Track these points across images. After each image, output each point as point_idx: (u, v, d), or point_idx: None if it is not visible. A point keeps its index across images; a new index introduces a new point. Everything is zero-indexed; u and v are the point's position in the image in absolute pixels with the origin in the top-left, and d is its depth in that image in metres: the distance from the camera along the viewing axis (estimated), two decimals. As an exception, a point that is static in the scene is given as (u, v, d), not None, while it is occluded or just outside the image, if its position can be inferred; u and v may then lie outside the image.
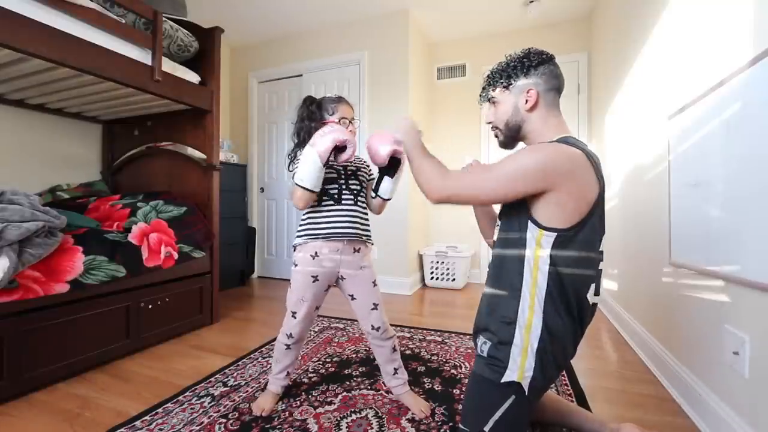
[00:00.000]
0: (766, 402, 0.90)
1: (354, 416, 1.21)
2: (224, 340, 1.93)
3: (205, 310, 2.13)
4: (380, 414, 1.22)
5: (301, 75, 3.40)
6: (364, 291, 1.27)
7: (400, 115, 3.00)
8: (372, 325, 1.26)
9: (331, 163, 1.18)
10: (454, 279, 3.15)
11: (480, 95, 1.09)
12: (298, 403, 1.29)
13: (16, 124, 2.10)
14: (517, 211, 0.91)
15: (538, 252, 0.87)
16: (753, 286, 0.94)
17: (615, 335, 2.03)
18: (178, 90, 1.98)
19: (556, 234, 0.85)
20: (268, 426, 1.15)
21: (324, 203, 1.22)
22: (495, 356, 0.90)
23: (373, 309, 1.27)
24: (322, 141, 1.10)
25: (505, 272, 0.93)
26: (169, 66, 1.92)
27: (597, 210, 0.88)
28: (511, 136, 1.03)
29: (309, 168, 1.11)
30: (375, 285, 1.29)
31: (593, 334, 2.06)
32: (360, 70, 3.13)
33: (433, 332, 2.01)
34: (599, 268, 0.94)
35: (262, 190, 3.65)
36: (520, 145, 1.06)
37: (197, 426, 1.15)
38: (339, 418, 1.19)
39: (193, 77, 2.10)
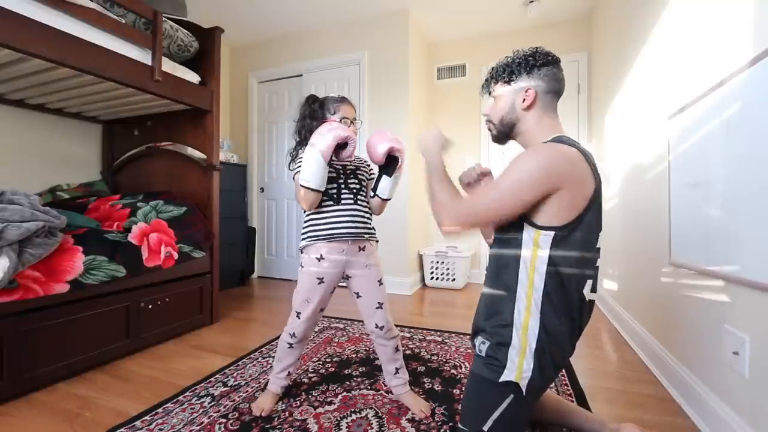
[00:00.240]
0: (766, 402, 0.90)
1: (354, 416, 1.20)
2: (224, 340, 1.93)
3: (205, 310, 2.13)
4: (380, 414, 1.22)
5: (301, 75, 3.40)
6: (369, 289, 1.27)
7: (400, 115, 3.00)
8: (376, 324, 1.27)
9: (332, 161, 1.18)
10: (454, 279, 3.15)
11: (482, 86, 1.09)
12: (298, 403, 1.29)
13: (16, 124, 2.10)
14: (507, 231, 0.91)
15: (536, 252, 0.87)
16: (753, 286, 0.94)
17: (615, 335, 2.03)
18: (178, 90, 1.98)
19: (553, 233, 0.85)
20: (268, 426, 1.15)
21: (324, 204, 1.22)
22: (493, 356, 0.90)
23: (378, 308, 1.27)
24: (324, 139, 1.10)
25: (501, 273, 0.93)
26: (169, 66, 1.92)
27: (594, 206, 0.89)
28: (504, 132, 1.03)
29: (313, 168, 1.11)
30: (381, 284, 1.29)
31: (593, 334, 2.06)
32: (360, 70, 3.13)
33: (433, 332, 2.01)
34: (597, 265, 0.94)
35: (262, 190, 3.65)
36: (512, 143, 1.06)
37: (197, 426, 1.15)
38: (339, 418, 1.19)
39: (193, 77, 2.10)
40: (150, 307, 1.80)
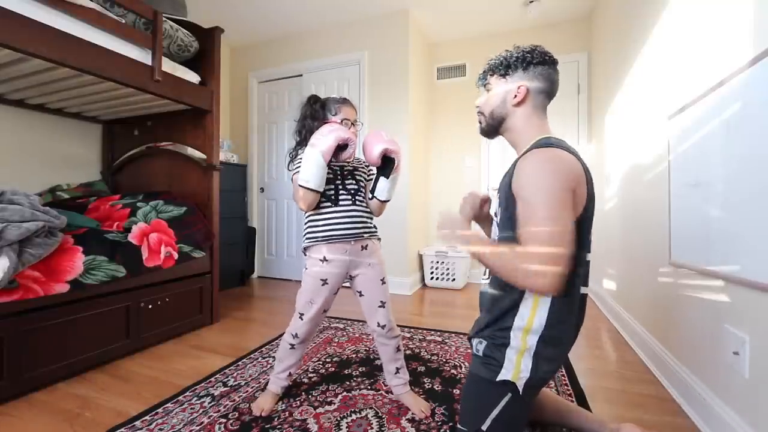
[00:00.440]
0: (766, 402, 0.90)
1: (354, 416, 1.20)
2: (224, 340, 1.93)
3: (205, 310, 2.13)
4: (380, 414, 1.22)
5: (301, 75, 3.40)
6: (371, 288, 1.27)
7: (400, 115, 3.00)
8: (378, 323, 1.26)
9: (330, 162, 1.18)
10: (454, 279, 3.15)
11: (478, 78, 1.09)
12: (298, 403, 1.29)
13: (16, 124, 2.10)
14: (512, 228, 0.89)
15: None
16: (753, 286, 0.94)
17: (615, 335, 2.03)
18: (178, 90, 1.98)
19: None
20: (268, 426, 1.15)
21: (322, 205, 1.22)
22: (490, 356, 0.91)
23: (380, 306, 1.27)
24: (325, 140, 1.10)
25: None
26: (169, 66, 1.92)
27: (590, 204, 0.89)
28: (493, 126, 1.03)
29: (313, 168, 1.11)
30: (383, 283, 1.29)
31: (593, 334, 2.06)
32: (360, 70, 3.13)
33: (433, 332, 2.01)
34: (588, 259, 0.94)
35: (262, 190, 3.65)
36: (500, 138, 1.06)
37: (197, 426, 1.15)
38: (339, 418, 1.19)
39: (193, 77, 2.10)
40: (150, 307, 1.80)
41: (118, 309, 1.66)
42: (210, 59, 2.20)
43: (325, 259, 1.21)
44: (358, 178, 1.29)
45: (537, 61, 0.97)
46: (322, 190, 1.16)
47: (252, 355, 1.70)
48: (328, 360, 1.65)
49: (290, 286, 3.25)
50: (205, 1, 2.85)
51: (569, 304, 0.88)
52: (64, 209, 1.71)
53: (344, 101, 1.29)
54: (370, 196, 1.30)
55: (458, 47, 3.49)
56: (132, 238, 1.71)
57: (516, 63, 0.98)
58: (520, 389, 0.87)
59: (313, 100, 1.28)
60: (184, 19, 2.15)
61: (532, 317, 0.87)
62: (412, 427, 1.15)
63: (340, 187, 1.24)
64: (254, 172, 3.65)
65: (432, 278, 3.24)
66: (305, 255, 1.29)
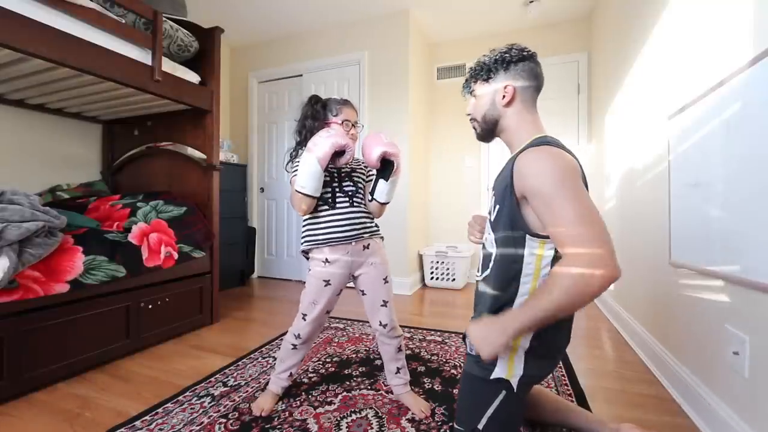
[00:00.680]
0: (766, 402, 0.90)
1: (354, 416, 1.21)
2: (224, 340, 1.93)
3: (205, 310, 2.13)
4: (380, 414, 1.22)
5: (301, 75, 3.40)
6: (374, 287, 1.27)
7: (400, 115, 3.00)
8: (380, 322, 1.26)
9: (327, 166, 1.17)
10: (454, 279, 3.15)
11: (463, 87, 1.09)
12: (298, 403, 1.29)
13: (16, 124, 2.10)
14: (511, 228, 0.90)
15: (539, 262, 0.87)
16: (753, 286, 0.94)
17: (615, 335, 2.03)
18: (178, 90, 1.98)
19: None
20: (268, 426, 1.15)
21: (319, 208, 1.22)
22: None
23: (382, 306, 1.27)
24: (321, 146, 1.09)
25: (503, 276, 0.92)
26: (169, 66, 1.92)
27: None
28: (488, 130, 1.03)
29: (308, 174, 1.11)
30: (386, 282, 1.29)
31: (593, 334, 2.06)
32: (360, 70, 3.13)
33: (433, 332, 2.01)
34: None
35: (262, 190, 3.65)
36: (497, 140, 1.06)
37: (197, 426, 1.15)
38: (339, 418, 1.19)
39: (193, 77, 2.10)
40: (150, 307, 1.80)
41: (118, 309, 1.66)
42: (210, 59, 2.20)
43: (327, 261, 1.21)
44: (356, 179, 1.28)
45: (516, 58, 0.97)
46: (318, 195, 1.16)
47: (252, 355, 1.70)
48: (328, 360, 1.65)
49: (290, 286, 3.25)
50: (205, 1, 2.85)
51: None
52: (64, 209, 1.71)
53: (345, 102, 1.28)
54: (370, 197, 1.29)
55: (458, 47, 3.49)
56: (132, 238, 1.71)
57: (496, 65, 0.98)
58: (515, 387, 0.88)
59: (315, 100, 1.28)
60: (184, 19, 2.15)
61: None
62: (412, 427, 1.15)
63: (337, 189, 1.24)
64: (254, 172, 3.65)
65: (432, 278, 3.24)
66: (305, 257, 1.29)
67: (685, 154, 1.32)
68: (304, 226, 1.26)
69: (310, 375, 1.50)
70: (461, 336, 1.04)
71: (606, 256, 0.74)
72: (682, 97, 1.35)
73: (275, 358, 1.51)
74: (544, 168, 0.82)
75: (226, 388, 1.39)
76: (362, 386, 1.41)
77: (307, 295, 1.24)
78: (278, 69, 3.52)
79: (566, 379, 1.47)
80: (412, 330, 2.05)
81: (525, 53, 0.98)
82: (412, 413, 1.22)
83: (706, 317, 1.18)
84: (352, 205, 1.24)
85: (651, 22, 1.69)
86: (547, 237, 0.84)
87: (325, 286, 1.22)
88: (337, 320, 2.21)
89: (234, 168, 3.27)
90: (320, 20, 3.17)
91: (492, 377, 0.89)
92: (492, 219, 0.97)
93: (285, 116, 3.55)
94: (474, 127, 1.07)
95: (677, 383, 1.35)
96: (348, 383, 1.43)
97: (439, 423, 1.17)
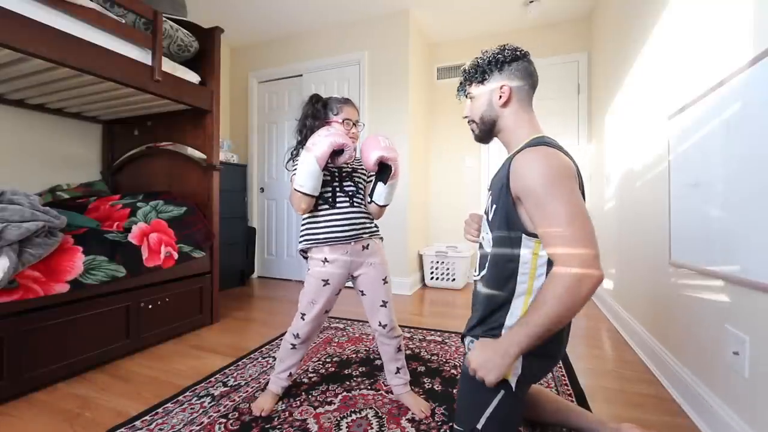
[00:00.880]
0: (766, 402, 0.90)
1: (354, 416, 1.20)
2: (224, 340, 1.93)
3: (205, 310, 2.13)
4: (380, 414, 1.22)
5: (301, 75, 3.40)
6: (373, 288, 1.27)
7: (400, 115, 3.00)
8: (379, 322, 1.26)
9: (327, 165, 1.17)
10: (454, 279, 3.15)
11: (457, 90, 1.09)
12: (298, 403, 1.29)
13: (16, 124, 2.10)
14: (507, 227, 0.90)
15: (535, 262, 0.87)
16: (753, 286, 0.94)
17: (614, 335, 2.03)
18: (178, 90, 1.98)
19: None
20: (268, 426, 1.15)
21: (320, 207, 1.22)
22: None
23: (381, 306, 1.27)
24: (320, 145, 1.09)
25: (500, 276, 0.92)
26: (169, 66, 1.92)
27: None
28: (486, 131, 1.03)
29: (307, 173, 1.11)
30: (386, 282, 1.28)
31: (593, 333, 2.06)
32: (360, 70, 3.13)
33: (433, 332, 2.01)
34: None
35: (262, 190, 3.65)
36: (496, 140, 1.06)
37: (197, 426, 1.15)
38: (339, 418, 1.19)
39: (193, 77, 2.10)
40: (150, 307, 1.80)
41: (118, 309, 1.66)
42: (210, 59, 2.20)
43: (326, 260, 1.21)
44: (356, 179, 1.28)
45: (510, 58, 0.97)
46: (317, 194, 1.16)
47: (252, 355, 1.70)
48: (328, 360, 1.65)
49: (290, 286, 3.25)
50: (205, 1, 2.85)
51: None
52: (64, 209, 1.71)
53: (346, 101, 1.28)
54: (369, 199, 1.29)
55: (458, 47, 3.49)
56: (132, 238, 1.71)
57: (490, 66, 0.98)
58: (513, 386, 0.88)
59: (315, 99, 1.28)
60: (184, 19, 2.15)
61: (522, 315, 0.87)
62: (412, 427, 1.15)
63: (338, 189, 1.24)
64: (254, 172, 3.65)
65: (432, 278, 3.24)
66: (303, 257, 1.29)
67: (685, 154, 1.32)
68: (303, 225, 1.26)
69: (310, 375, 1.50)
70: (460, 336, 1.04)
71: (595, 258, 0.77)
72: (682, 97, 1.35)
73: (275, 358, 1.51)
74: (539, 169, 0.82)
75: (226, 388, 1.39)
76: (362, 386, 1.41)
77: (306, 295, 1.24)
78: (278, 69, 3.52)
79: (566, 378, 1.47)
80: (412, 330, 2.05)
81: (518, 53, 0.98)
82: (412, 413, 1.22)
83: (706, 317, 1.18)
84: (352, 205, 1.24)
85: (651, 22, 1.69)
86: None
87: (324, 285, 1.22)
88: (337, 320, 2.21)
89: (234, 168, 3.27)
90: (320, 20, 3.17)
91: None
92: (489, 218, 0.98)
93: (285, 116, 3.55)
94: (472, 129, 1.07)
95: (677, 383, 1.35)
96: (348, 383, 1.43)
97: (439, 423, 1.17)
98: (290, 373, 1.29)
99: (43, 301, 1.37)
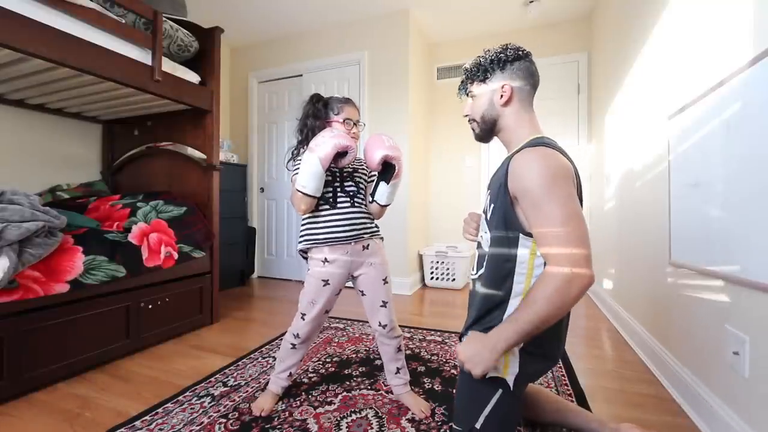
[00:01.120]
0: (765, 402, 0.90)
1: (354, 416, 1.21)
2: (224, 340, 1.93)
3: (205, 310, 2.13)
4: (380, 414, 1.22)
5: (301, 75, 3.40)
6: (373, 288, 1.27)
7: (400, 115, 3.00)
8: (379, 322, 1.26)
9: (330, 166, 1.17)
10: (454, 279, 3.15)
11: (459, 88, 1.09)
12: (298, 403, 1.29)
13: (16, 124, 2.10)
14: (505, 227, 0.90)
15: (532, 261, 0.87)
16: (753, 286, 0.94)
17: (614, 335, 2.03)
18: (178, 90, 1.98)
19: None
20: (268, 426, 1.15)
21: (320, 207, 1.22)
22: None
23: (381, 306, 1.26)
24: (323, 147, 1.09)
25: (498, 276, 0.92)
26: (169, 66, 1.92)
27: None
28: (487, 130, 1.03)
29: (310, 174, 1.11)
30: (386, 282, 1.28)
31: (593, 334, 2.06)
32: (360, 70, 3.13)
33: (433, 332, 2.01)
34: None
35: (262, 190, 3.65)
36: (496, 140, 1.06)
37: (197, 426, 1.15)
38: (339, 418, 1.19)
39: (193, 77, 2.10)
40: (150, 307, 1.80)
41: (118, 309, 1.66)
42: (210, 59, 2.20)
43: (326, 260, 1.21)
44: (357, 179, 1.28)
45: (512, 58, 0.97)
46: (319, 195, 1.16)
47: (252, 355, 1.70)
48: (328, 360, 1.65)
49: (290, 286, 3.25)
50: (205, 1, 2.85)
51: None
52: (64, 209, 1.71)
53: (347, 101, 1.28)
54: (371, 199, 1.29)
55: (458, 47, 3.49)
56: (132, 238, 1.71)
57: (492, 65, 0.98)
58: (511, 385, 0.88)
59: (316, 98, 1.28)
60: (184, 19, 2.15)
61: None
62: (412, 427, 1.15)
63: (339, 189, 1.23)
64: (254, 172, 3.65)
65: (432, 278, 3.24)
66: (303, 257, 1.29)
67: (685, 154, 1.32)
68: (303, 225, 1.26)
69: (310, 375, 1.50)
70: (459, 335, 1.04)
71: (586, 258, 0.78)
72: (682, 97, 1.35)
73: (275, 358, 1.51)
74: (537, 169, 0.83)
75: (226, 388, 1.39)
76: (362, 386, 1.41)
77: (306, 295, 1.24)
78: (278, 69, 3.52)
79: (566, 378, 1.47)
80: (412, 330, 2.05)
81: (520, 52, 0.98)
82: (412, 413, 1.22)
83: (706, 317, 1.18)
84: (353, 206, 1.24)
85: (651, 22, 1.69)
86: None
87: (324, 285, 1.22)
88: (337, 320, 2.21)
89: (234, 168, 3.27)
90: (320, 20, 3.17)
91: (488, 376, 0.89)
92: (487, 217, 0.98)
93: (285, 116, 3.55)
94: (473, 128, 1.07)
95: (677, 383, 1.35)
96: (348, 383, 1.43)
97: (439, 423, 1.17)
98: (290, 373, 1.29)
99: (43, 301, 1.37)
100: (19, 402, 1.31)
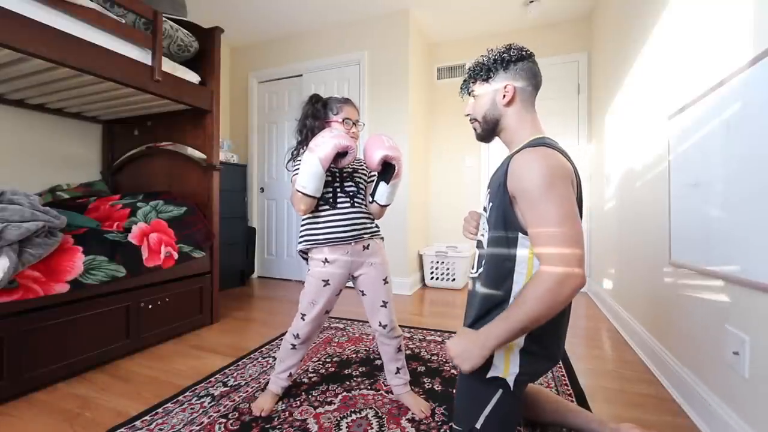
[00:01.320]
0: (766, 402, 0.90)
1: (354, 416, 1.21)
2: (224, 340, 1.93)
3: (205, 310, 2.13)
4: (380, 414, 1.22)
5: (301, 75, 3.40)
6: (373, 288, 1.27)
7: (400, 115, 3.00)
8: (380, 322, 1.26)
9: (330, 166, 1.17)
10: (454, 279, 3.15)
11: (461, 87, 1.09)
12: (298, 403, 1.29)
13: (16, 124, 2.10)
14: (504, 226, 0.90)
15: (531, 261, 0.87)
16: (753, 286, 0.94)
17: (614, 335, 2.03)
18: (178, 90, 1.98)
19: None
20: (268, 426, 1.15)
21: (320, 208, 1.22)
22: None
23: (381, 306, 1.26)
24: (323, 147, 1.09)
25: (497, 275, 0.92)
26: (169, 66, 1.92)
27: (579, 207, 0.90)
28: (489, 130, 1.03)
29: (310, 175, 1.10)
30: (386, 282, 1.28)
31: (593, 334, 2.06)
32: (360, 70, 3.13)
33: (433, 332, 2.01)
34: None
35: (262, 190, 3.65)
36: (497, 140, 1.06)
37: (197, 426, 1.15)
38: (339, 418, 1.19)
39: (193, 77, 2.10)
40: (150, 307, 1.80)
41: (118, 309, 1.66)
42: (210, 59, 2.20)
43: (326, 261, 1.21)
44: (357, 180, 1.28)
45: (515, 58, 0.97)
46: (319, 195, 1.16)
47: (252, 355, 1.70)
48: (328, 360, 1.65)
49: (290, 286, 3.25)
50: (205, 1, 2.85)
51: None
52: (64, 209, 1.71)
53: (346, 101, 1.28)
54: (371, 199, 1.29)
55: (458, 47, 3.49)
56: (132, 238, 1.71)
57: (496, 65, 0.98)
58: (511, 385, 0.88)
59: (315, 99, 1.28)
60: (184, 19, 2.15)
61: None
62: (412, 427, 1.15)
63: (339, 189, 1.23)
64: (254, 172, 3.65)
65: (432, 278, 3.24)
66: (303, 257, 1.28)
67: (685, 154, 1.32)
68: (303, 225, 1.26)
69: (310, 375, 1.50)
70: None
71: (579, 258, 0.79)
72: (682, 97, 1.35)
73: (275, 358, 1.51)
74: (536, 169, 0.83)
75: (226, 388, 1.39)
76: (362, 386, 1.41)
77: (306, 295, 1.24)
78: (278, 69, 3.52)
79: (566, 378, 1.47)
80: (412, 330, 2.05)
81: (524, 53, 0.98)
82: (412, 413, 1.22)
83: (706, 317, 1.18)
84: (353, 206, 1.24)
85: (651, 22, 1.69)
86: None
87: (324, 286, 1.22)
88: (337, 320, 2.21)
89: (234, 168, 3.27)
90: (320, 20, 3.17)
91: (488, 376, 0.89)
92: (487, 216, 0.98)
93: (285, 116, 3.55)
94: (474, 128, 1.07)
95: (677, 383, 1.35)
96: (348, 383, 1.43)
97: (439, 423, 1.17)
98: (290, 373, 1.29)
99: (43, 301, 1.37)
100: (19, 402, 1.31)
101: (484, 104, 1.01)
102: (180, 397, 1.33)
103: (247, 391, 1.37)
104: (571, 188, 0.84)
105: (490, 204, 0.96)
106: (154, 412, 1.23)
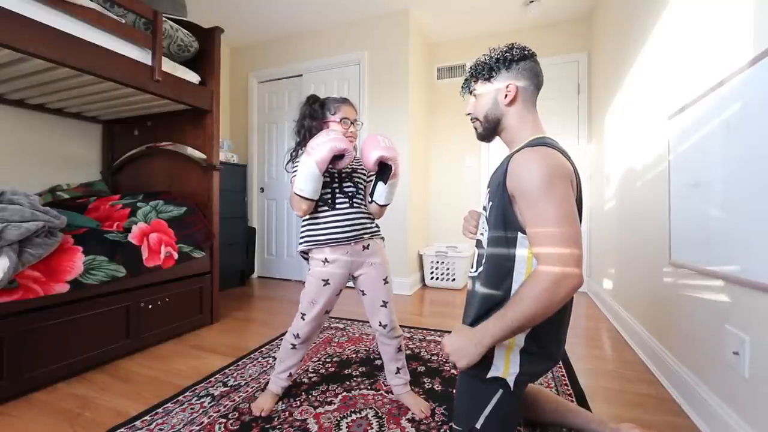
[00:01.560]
0: (766, 402, 0.90)
1: (354, 416, 1.21)
2: (224, 340, 1.93)
3: (205, 310, 2.13)
4: (380, 414, 1.22)
5: (301, 75, 3.40)
6: (374, 288, 1.27)
7: (400, 115, 3.00)
8: (380, 322, 1.26)
9: (327, 168, 1.17)
10: (454, 279, 3.15)
11: (462, 86, 1.09)
12: (298, 403, 1.29)
13: (16, 124, 2.10)
14: (504, 225, 0.90)
15: (530, 261, 0.87)
16: (753, 286, 0.94)
17: (614, 335, 2.03)
18: (178, 90, 1.98)
19: None
20: (268, 426, 1.15)
21: (319, 209, 1.22)
22: None
23: (382, 306, 1.26)
24: (320, 150, 1.08)
25: (496, 274, 0.92)
26: (169, 66, 1.92)
27: (579, 207, 0.91)
28: (490, 129, 1.03)
29: (307, 178, 1.10)
30: (386, 282, 1.28)
31: (593, 334, 2.06)
32: (360, 70, 3.13)
33: (433, 332, 2.01)
34: None
35: (262, 190, 3.65)
36: (497, 140, 1.06)
37: (197, 426, 1.15)
38: (339, 418, 1.19)
39: (193, 77, 2.10)
40: (150, 307, 1.80)
41: (118, 309, 1.66)
42: (210, 59, 2.20)
43: (326, 260, 1.21)
44: (356, 180, 1.27)
45: (518, 57, 0.97)
46: (317, 197, 1.16)
47: (252, 355, 1.70)
48: (328, 360, 1.65)
49: (290, 286, 3.25)
50: (205, 1, 2.85)
51: None
52: (64, 209, 1.71)
53: (344, 101, 1.28)
54: (370, 199, 1.29)
55: (458, 47, 3.49)
56: (132, 238, 1.71)
57: (498, 64, 0.98)
58: (511, 385, 0.88)
59: (312, 99, 1.28)
60: (184, 19, 2.15)
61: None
62: (412, 427, 1.15)
63: (337, 190, 1.23)
64: (254, 172, 3.65)
65: (432, 278, 3.24)
66: (304, 258, 1.29)
67: (685, 154, 1.32)
68: (303, 226, 1.26)
69: (310, 375, 1.50)
70: None
71: (577, 258, 0.79)
72: (682, 97, 1.35)
73: (275, 358, 1.51)
74: (535, 169, 0.83)
75: (226, 388, 1.39)
76: (362, 386, 1.41)
77: (307, 295, 1.24)
78: (278, 69, 3.52)
79: (566, 379, 1.48)
80: (412, 330, 2.05)
81: (526, 52, 0.98)
82: (412, 413, 1.22)
83: (706, 317, 1.18)
84: (352, 206, 1.24)
85: (651, 22, 1.69)
86: None
87: (324, 285, 1.22)
88: (337, 320, 2.21)
89: (234, 168, 3.27)
90: (320, 20, 3.17)
91: (488, 376, 0.89)
92: (487, 216, 0.98)
93: (285, 116, 3.55)
94: (475, 127, 1.07)
95: (677, 383, 1.35)
96: (348, 383, 1.43)
97: (439, 423, 1.17)
98: (290, 373, 1.29)
99: (43, 301, 1.37)
100: (19, 402, 1.31)
101: (486, 103, 1.01)
102: (180, 397, 1.33)
103: (247, 391, 1.37)
104: (570, 188, 0.84)
105: (490, 203, 0.96)
106: (154, 412, 1.23)
